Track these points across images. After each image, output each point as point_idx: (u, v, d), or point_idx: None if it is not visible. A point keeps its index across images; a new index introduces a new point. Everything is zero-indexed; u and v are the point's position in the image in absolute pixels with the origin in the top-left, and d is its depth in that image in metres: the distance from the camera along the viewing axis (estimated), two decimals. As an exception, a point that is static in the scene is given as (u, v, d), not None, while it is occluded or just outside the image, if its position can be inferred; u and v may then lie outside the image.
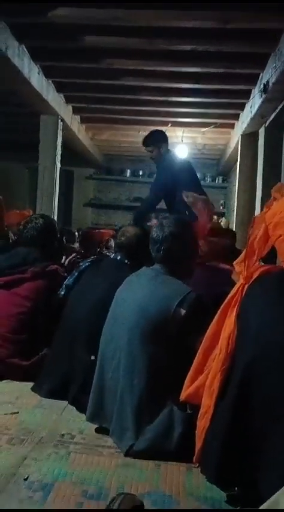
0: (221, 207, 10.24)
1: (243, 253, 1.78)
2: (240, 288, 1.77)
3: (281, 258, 1.77)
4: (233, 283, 1.86)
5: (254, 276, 1.75)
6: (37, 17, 3.88)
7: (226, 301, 1.82)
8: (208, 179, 10.35)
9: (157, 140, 4.36)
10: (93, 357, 2.26)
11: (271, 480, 1.54)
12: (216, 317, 1.84)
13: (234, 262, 1.81)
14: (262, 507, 1.27)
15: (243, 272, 1.76)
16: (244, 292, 1.76)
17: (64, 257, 3.59)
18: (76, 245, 5.99)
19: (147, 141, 4.40)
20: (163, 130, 4.76)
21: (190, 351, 1.94)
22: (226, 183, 10.14)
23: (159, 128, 4.94)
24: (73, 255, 3.69)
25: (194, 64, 4.73)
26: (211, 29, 3.96)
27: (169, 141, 4.64)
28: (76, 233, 6.87)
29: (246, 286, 1.76)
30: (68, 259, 3.52)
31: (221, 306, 1.83)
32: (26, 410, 2.30)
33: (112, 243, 5.22)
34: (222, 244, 2.93)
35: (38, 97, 5.33)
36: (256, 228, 1.72)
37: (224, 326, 1.77)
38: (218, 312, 1.83)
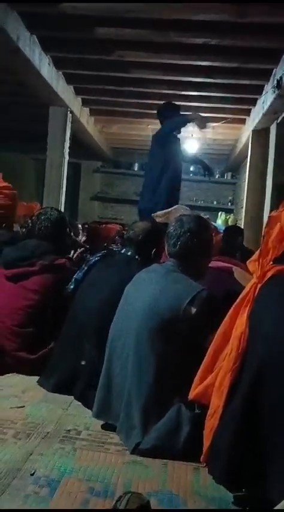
0: (229, 204, 10.18)
1: (257, 252, 1.75)
2: (253, 287, 1.74)
3: (296, 257, 1.74)
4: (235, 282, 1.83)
5: (268, 276, 1.72)
6: (49, 7, 3.84)
7: (238, 300, 1.79)
8: (217, 174, 10.27)
9: None
10: (83, 362, 2.34)
11: (280, 482, 1.52)
12: (227, 316, 1.81)
13: (247, 262, 1.78)
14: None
15: (257, 271, 1.73)
16: (256, 292, 1.74)
17: (72, 251, 3.56)
18: (81, 238, 5.95)
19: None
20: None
21: (199, 349, 1.91)
22: (235, 179, 10.06)
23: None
24: (81, 249, 3.66)
25: (206, 58, 4.67)
26: (224, 23, 3.91)
27: (180, 135, 4.88)
28: (79, 226, 6.84)
29: (259, 285, 1.74)
30: (76, 254, 3.49)
31: (233, 305, 1.80)
32: (32, 405, 2.29)
33: (118, 238, 5.21)
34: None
35: (47, 88, 5.29)
36: (272, 227, 1.70)
37: (236, 325, 1.75)
38: (230, 311, 1.81)
